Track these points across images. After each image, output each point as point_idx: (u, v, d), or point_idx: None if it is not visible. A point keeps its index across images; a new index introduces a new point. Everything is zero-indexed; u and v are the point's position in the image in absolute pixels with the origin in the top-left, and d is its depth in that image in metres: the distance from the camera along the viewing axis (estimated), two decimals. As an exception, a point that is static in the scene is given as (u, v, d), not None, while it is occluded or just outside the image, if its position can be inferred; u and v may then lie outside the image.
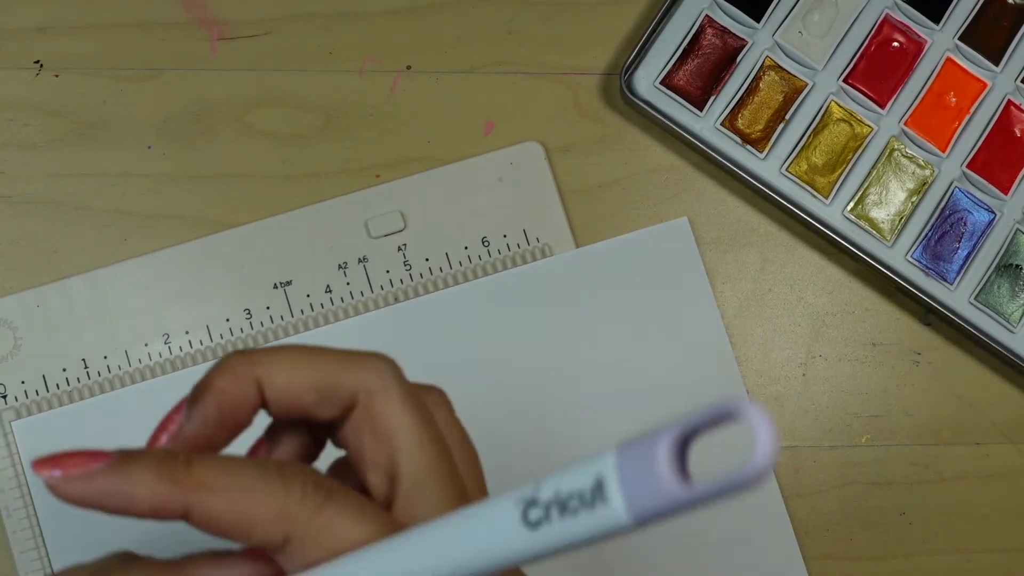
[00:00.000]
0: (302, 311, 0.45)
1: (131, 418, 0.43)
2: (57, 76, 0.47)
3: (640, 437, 0.21)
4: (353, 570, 0.24)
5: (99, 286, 0.45)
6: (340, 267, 0.45)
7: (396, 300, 0.45)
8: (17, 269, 0.45)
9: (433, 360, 0.40)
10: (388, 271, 0.46)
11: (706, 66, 0.47)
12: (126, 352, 0.44)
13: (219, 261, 0.45)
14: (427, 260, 0.46)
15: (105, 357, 0.44)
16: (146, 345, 0.44)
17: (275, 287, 0.45)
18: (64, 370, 0.44)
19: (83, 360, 0.44)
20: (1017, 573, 0.47)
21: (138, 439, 0.41)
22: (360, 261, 0.46)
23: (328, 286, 0.45)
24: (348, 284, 0.45)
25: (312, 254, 0.46)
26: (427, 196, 0.46)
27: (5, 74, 0.46)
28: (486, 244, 0.46)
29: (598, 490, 0.21)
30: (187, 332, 0.45)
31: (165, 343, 0.44)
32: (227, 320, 0.45)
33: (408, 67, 0.48)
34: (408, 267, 0.46)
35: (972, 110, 0.48)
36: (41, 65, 0.47)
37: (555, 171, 0.47)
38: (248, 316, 0.45)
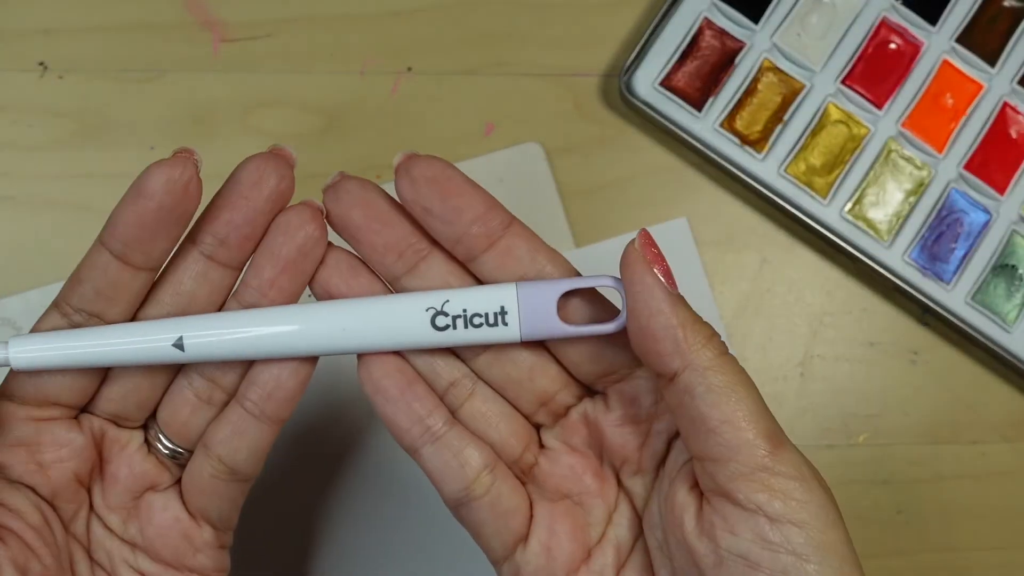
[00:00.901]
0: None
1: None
2: (61, 78, 0.47)
3: (538, 282, 0.30)
4: (292, 321, 0.30)
5: (102, 286, 0.45)
6: (341, 267, 0.46)
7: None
8: (21, 269, 0.46)
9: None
10: (389, 271, 0.46)
11: (705, 67, 0.48)
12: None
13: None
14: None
15: (108, 356, 0.44)
16: (149, 344, 0.45)
17: (277, 287, 0.45)
18: (67, 369, 0.44)
19: (86, 359, 0.44)
20: (1013, 571, 0.47)
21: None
22: (361, 261, 0.46)
23: (329, 286, 0.45)
24: (349, 284, 0.46)
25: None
26: (428, 196, 0.46)
27: (9, 76, 0.47)
28: (486, 244, 0.46)
29: (501, 315, 0.30)
30: (189, 331, 0.45)
31: (168, 342, 0.45)
32: (229, 320, 0.45)
33: (409, 68, 0.48)
34: (409, 267, 0.46)
35: (968, 111, 0.48)
36: (45, 67, 0.47)
37: (555, 172, 0.47)
38: (250, 316, 0.45)
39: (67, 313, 0.31)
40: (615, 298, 0.32)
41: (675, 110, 0.47)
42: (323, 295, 0.31)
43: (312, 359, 0.31)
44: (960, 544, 0.47)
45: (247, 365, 0.32)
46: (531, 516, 0.32)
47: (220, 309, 0.31)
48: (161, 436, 0.33)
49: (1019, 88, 0.48)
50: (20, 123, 0.46)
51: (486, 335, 0.30)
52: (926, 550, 0.47)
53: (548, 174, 0.47)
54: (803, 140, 0.47)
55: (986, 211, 0.47)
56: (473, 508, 0.31)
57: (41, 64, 0.47)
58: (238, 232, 0.30)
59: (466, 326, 0.30)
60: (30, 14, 0.47)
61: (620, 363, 0.32)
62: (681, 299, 0.29)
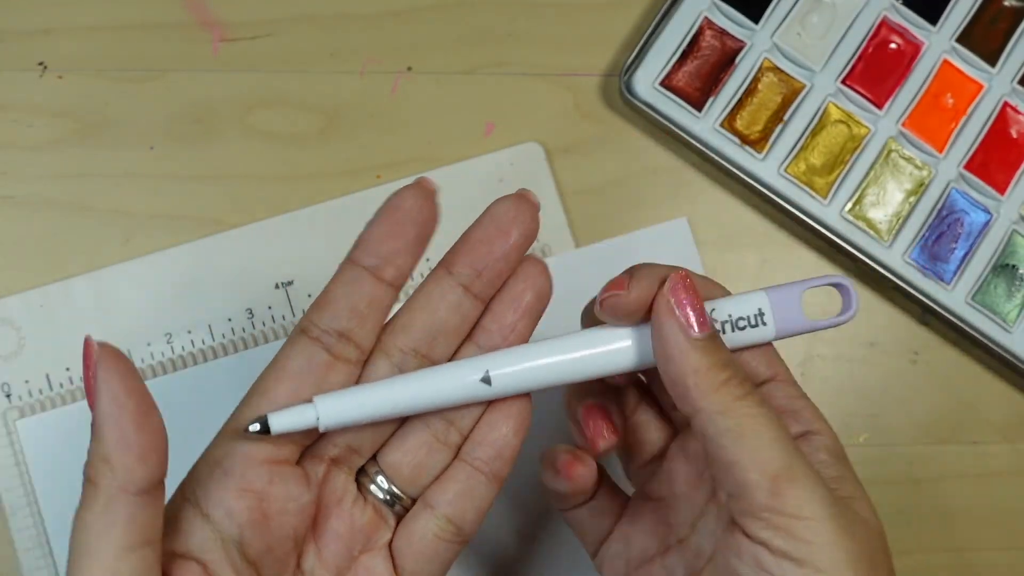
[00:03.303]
0: (303, 311, 0.45)
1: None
2: (61, 77, 0.47)
3: (783, 286, 0.33)
4: (587, 346, 0.33)
5: (102, 286, 0.45)
6: (341, 267, 0.46)
7: (397, 300, 0.46)
8: (20, 269, 0.46)
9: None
10: (389, 271, 0.46)
11: (705, 67, 0.48)
12: (128, 351, 0.44)
13: (221, 261, 0.46)
14: (427, 260, 0.46)
15: (108, 356, 0.44)
16: (148, 344, 0.45)
17: (277, 287, 0.45)
18: (67, 369, 0.44)
19: (86, 359, 0.44)
20: (1015, 571, 0.47)
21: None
22: (361, 261, 0.46)
23: (329, 286, 0.46)
24: (349, 284, 0.46)
25: (313, 254, 0.46)
26: (428, 196, 0.46)
27: (9, 75, 0.47)
28: (486, 244, 0.46)
29: (759, 316, 0.33)
30: (189, 332, 0.45)
31: (167, 342, 0.45)
32: (229, 320, 0.45)
33: (409, 68, 0.48)
34: (409, 267, 0.46)
35: (969, 111, 0.48)
36: (45, 66, 0.47)
37: (555, 172, 0.47)
38: (250, 316, 0.45)
39: (316, 336, 0.31)
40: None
41: (675, 110, 0.47)
42: None
43: (528, 421, 0.33)
44: (960, 544, 0.47)
45: (484, 408, 0.33)
46: (621, 515, 0.36)
47: (464, 342, 0.33)
48: (381, 478, 0.33)
49: (1019, 88, 0.48)
50: (20, 123, 0.46)
51: (750, 336, 0.33)
52: (926, 550, 0.47)
53: (548, 174, 0.47)
54: (803, 140, 0.47)
55: (986, 211, 0.47)
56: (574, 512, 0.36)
57: (41, 64, 0.47)
58: (495, 266, 0.32)
59: (733, 330, 0.33)
60: (30, 14, 0.47)
61: (756, 374, 0.34)
62: (700, 343, 0.30)
